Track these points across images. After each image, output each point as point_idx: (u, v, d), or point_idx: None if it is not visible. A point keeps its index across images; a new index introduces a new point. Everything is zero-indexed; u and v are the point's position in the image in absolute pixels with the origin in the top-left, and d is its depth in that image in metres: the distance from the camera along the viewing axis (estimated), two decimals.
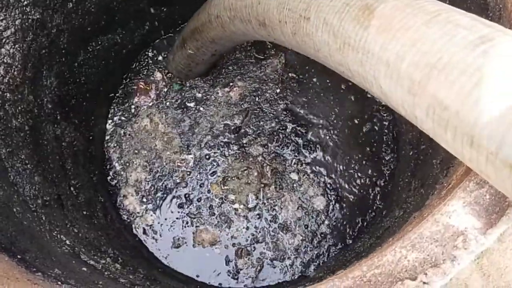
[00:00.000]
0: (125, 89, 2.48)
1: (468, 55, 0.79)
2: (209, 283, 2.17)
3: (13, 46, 1.59)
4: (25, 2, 1.61)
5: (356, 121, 2.39)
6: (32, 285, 1.07)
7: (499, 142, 0.72)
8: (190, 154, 2.34)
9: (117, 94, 2.45)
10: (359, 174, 2.31)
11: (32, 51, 1.70)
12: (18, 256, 1.21)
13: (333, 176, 2.30)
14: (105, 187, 2.25)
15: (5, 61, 1.57)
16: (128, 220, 2.26)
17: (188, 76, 2.41)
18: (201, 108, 2.43)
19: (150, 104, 2.43)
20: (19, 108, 1.65)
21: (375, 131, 2.38)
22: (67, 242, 1.59)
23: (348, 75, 1.11)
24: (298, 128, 2.38)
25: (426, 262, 0.90)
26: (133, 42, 2.35)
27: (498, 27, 0.82)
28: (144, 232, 2.25)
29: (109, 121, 2.42)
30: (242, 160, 2.32)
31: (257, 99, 2.43)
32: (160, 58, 2.52)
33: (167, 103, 2.43)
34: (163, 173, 2.33)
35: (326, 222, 2.24)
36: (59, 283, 1.18)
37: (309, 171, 2.31)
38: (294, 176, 2.30)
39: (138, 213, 2.27)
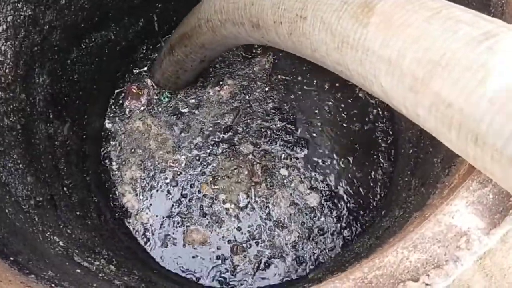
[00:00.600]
0: (121, 87, 2.48)
1: (472, 51, 0.79)
2: (206, 283, 2.17)
3: (4, 43, 1.57)
4: None
5: (350, 118, 2.41)
6: None
7: (505, 139, 0.72)
8: (183, 155, 2.35)
9: (114, 92, 2.46)
10: (354, 171, 2.32)
11: (24, 48, 1.69)
12: (11, 258, 1.20)
13: (324, 172, 2.32)
14: (99, 186, 2.24)
15: None
16: (124, 219, 2.26)
17: (176, 83, 2.38)
18: (196, 111, 2.44)
19: (142, 109, 2.44)
20: (11, 106, 1.64)
21: (371, 129, 2.39)
22: (60, 243, 1.58)
23: (347, 74, 1.11)
24: (288, 126, 2.40)
25: (429, 263, 0.90)
26: (127, 39, 2.34)
27: (501, 23, 0.82)
28: (138, 231, 2.26)
29: (106, 119, 2.43)
30: (232, 159, 2.34)
31: (247, 97, 2.46)
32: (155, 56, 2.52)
33: (159, 109, 2.44)
34: (156, 172, 2.34)
35: (322, 219, 2.24)
36: (53, 285, 1.17)
37: (299, 167, 2.32)
38: (284, 172, 2.31)
39: (135, 210, 2.28)
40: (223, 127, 2.40)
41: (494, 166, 0.77)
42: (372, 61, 0.96)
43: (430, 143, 1.74)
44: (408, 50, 0.88)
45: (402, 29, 0.91)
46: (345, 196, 2.28)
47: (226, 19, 1.61)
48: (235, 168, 2.32)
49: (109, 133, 2.41)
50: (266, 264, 2.18)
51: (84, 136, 2.20)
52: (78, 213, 1.91)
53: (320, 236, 2.21)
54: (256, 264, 2.18)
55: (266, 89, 2.47)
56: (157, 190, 2.32)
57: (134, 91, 2.45)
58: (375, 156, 2.34)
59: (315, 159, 2.34)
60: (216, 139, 2.38)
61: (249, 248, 2.21)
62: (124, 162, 2.36)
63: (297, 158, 2.34)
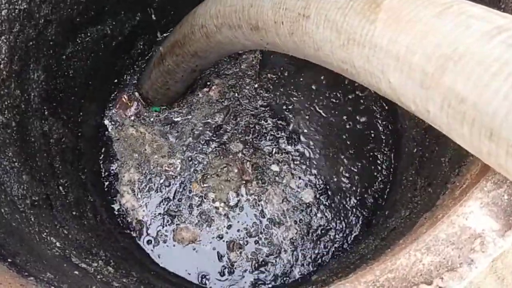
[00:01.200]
0: (118, 85, 2.50)
1: (485, 46, 0.79)
2: (204, 283, 2.17)
3: None
4: None
5: (343, 115, 2.44)
6: None
7: None
8: (178, 159, 2.37)
9: (111, 89, 2.46)
10: (350, 169, 2.34)
11: (19, 43, 1.67)
12: (9, 260, 1.19)
13: (318, 168, 2.35)
14: (95, 185, 2.24)
15: None
16: (120, 218, 2.27)
17: (165, 95, 2.35)
18: (188, 116, 2.46)
19: (132, 118, 2.45)
20: (6, 103, 1.62)
21: (368, 126, 2.42)
22: (57, 244, 1.58)
23: (352, 72, 1.10)
24: (279, 122, 2.42)
25: (442, 266, 0.90)
26: (123, 34, 2.33)
27: None
28: (134, 230, 2.28)
29: (105, 118, 2.45)
30: (222, 158, 2.36)
31: (236, 95, 2.47)
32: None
33: (151, 119, 2.46)
34: (152, 175, 2.36)
35: (319, 215, 2.26)
36: (52, 287, 1.16)
37: (290, 162, 2.35)
38: (275, 167, 2.34)
39: (132, 209, 2.30)
40: (214, 126, 2.42)
41: (509, 162, 0.77)
42: (380, 58, 0.96)
43: (435, 142, 1.74)
44: (418, 45, 0.88)
45: (411, 25, 0.91)
46: (341, 193, 2.30)
47: (222, 23, 1.60)
48: (225, 167, 2.34)
49: (107, 132, 2.42)
50: (263, 262, 2.19)
51: (79, 134, 2.19)
52: (74, 213, 1.90)
53: (320, 235, 2.22)
54: (254, 262, 2.20)
55: (255, 86, 2.48)
56: (153, 190, 2.34)
57: (124, 100, 2.46)
58: (373, 154, 2.35)
59: (308, 155, 2.36)
60: (207, 138, 2.40)
61: (246, 245, 2.23)
62: (122, 165, 2.37)
63: (287, 153, 2.36)
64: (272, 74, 2.52)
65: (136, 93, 2.46)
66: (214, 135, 2.40)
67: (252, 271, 2.19)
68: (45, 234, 1.57)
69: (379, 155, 2.34)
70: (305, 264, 2.18)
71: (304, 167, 2.33)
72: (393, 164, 2.32)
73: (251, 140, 2.38)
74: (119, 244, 2.09)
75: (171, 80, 2.21)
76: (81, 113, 2.20)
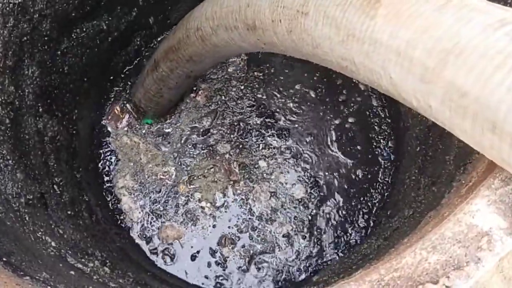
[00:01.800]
0: (115, 83, 2.52)
1: (487, 38, 0.80)
2: (203, 283, 2.19)
3: None
4: None
5: (336, 110, 2.49)
6: None
7: None
8: (172, 166, 2.41)
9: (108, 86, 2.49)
10: (349, 168, 2.37)
11: (13, 38, 1.67)
12: (4, 259, 1.19)
13: (311, 163, 2.38)
14: (90, 184, 2.24)
15: None
16: (116, 218, 2.29)
17: (158, 104, 2.35)
18: (178, 123, 2.50)
19: (125, 129, 2.48)
20: (0, 99, 1.62)
21: (366, 123, 2.45)
22: (53, 244, 1.58)
23: (352, 69, 1.11)
24: (267, 120, 2.46)
25: (449, 265, 0.90)
26: (119, 29, 2.33)
27: None
28: (131, 229, 2.32)
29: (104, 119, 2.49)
30: (208, 159, 2.40)
31: (223, 97, 2.51)
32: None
33: (143, 131, 2.49)
34: (148, 181, 2.40)
35: (313, 212, 2.30)
36: (49, 287, 1.16)
37: (278, 157, 2.39)
38: (262, 163, 2.38)
39: (128, 209, 2.34)
40: (201, 130, 2.45)
41: None
42: (380, 53, 0.97)
43: (439, 140, 1.74)
44: (419, 40, 0.89)
45: (412, 19, 0.91)
46: (340, 192, 2.32)
47: (218, 24, 1.60)
48: (211, 167, 2.38)
49: (104, 131, 2.46)
50: (259, 261, 2.22)
51: (74, 132, 2.19)
52: (69, 212, 1.90)
53: (318, 234, 2.24)
54: (247, 259, 2.23)
55: (242, 87, 2.53)
56: (145, 192, 2.38)
57: (116, 112, 2.48)
58: (374, 152, 2.36)
59: (301, 150, 2.40)
60: (194, 142, 2.44)
61: (238, 240, 2.27)
62: (119, 170, 2.41)
63: (275, 148, 2.41)
64: (258, 72, 2.56)
65: (128, 105, 2.49)
66: (202, 138, 2.44)
67: (247, 268, 2.21)
68: (40, 233, 1.57)
69: (380, 154, 2.35)
70: (302, 264, 2.19)
71: (293, 163, 2.38)
72: (395, 163, 2.32)
73: (237, 139, 2.43)
74: (115, 244, 2.09)
75: (164, 87, 2.21)
76: (76, 111, 2.20)
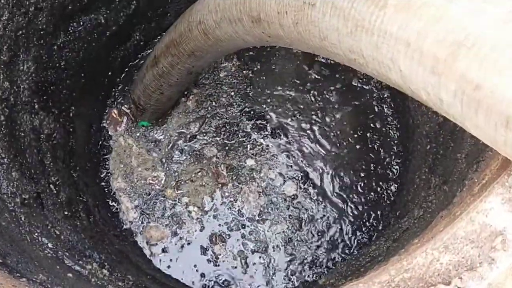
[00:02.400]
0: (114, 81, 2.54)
1: (500, 30, 0.79)
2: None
3: None
4: None
5: (333, 108, 2.52)
6: None
7: None
8: (162, 171, 2.45)
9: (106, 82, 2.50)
10: (356, 167, 2.40)
11: (8, 32, 1.68)
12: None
13: (310, 162, 2.43)
14: (87, 184, 2.24)
15: None
16: (115, 219, 2.29)
17: (158, 101, 2.36)
18: (168, 128, 2.54)
19: (122, 133, 2.52)
20: None
21: (373, 120, 2.46)
22: (49, 245, 1.58)
23: (360, 62, 1.10)
24: (258, 122, 2.50)
25: (461, 265, 0.90)
26: (118, 23, 2.33)
27: None
28: (129, 230, 2.36)
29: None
30: (195, 163, 2.45)
31: (213, 103, 2.55)
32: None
33: (137, 134, 2.53)
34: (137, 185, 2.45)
35: (316, 212, 2.33)
36: None
37: (269, 157, 2.44)
38: (250, 162, 2.44)
39: (125, 209, 2.38)
40: (188, 136, 2.49)
41: None
42: (390, 45, 0.96)
43: (450, 138, 1.74)
44: (430, 31, 0.88)
45: (423, 10, 0.91)
46: (348, 191, 2.34)
47: (222, 17, 1.60)
48: (199, 171, 2.42)
49: (102, 129, 2.50)
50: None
51: (71, 129, 2.19)
52: (66, 212, 1.91)
53: (320, 235, 2.25)
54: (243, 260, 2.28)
55: (232, 93, 2.57)
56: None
57: (114, 116, 2.52)
58: (381, 151, 2.38)
59: (299, 148, 2.45)
60: (181, 148, 2.48)
61: (227, 238, 2.33)
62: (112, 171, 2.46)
63: (263, 146, 2.46)
64: (247, 71, 2.61)
65: (125, 107, 2.53)
66: (188, 144, 2.49)
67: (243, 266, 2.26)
68: (36, 234, 1.57)
69: (387, 153, 2.35)
70: (307, 266, 2.21)
71: (282, 160, 2.44)
72: (404, 162, 2.32)
73: (224, 141, 2.48)
74: (113, 246, 2.10)
75: (165, 84, 2.21)
76: (73, 107, 2.20)
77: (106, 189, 2.41)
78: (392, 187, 2.30)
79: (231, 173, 2.40)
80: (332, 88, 2.53)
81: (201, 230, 2.32)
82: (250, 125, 2.48)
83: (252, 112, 2.51)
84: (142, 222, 2.35)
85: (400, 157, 2.34)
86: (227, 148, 2.45)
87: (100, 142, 2.49)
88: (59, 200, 1.91)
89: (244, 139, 2.46)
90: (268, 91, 2.55)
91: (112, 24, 2.29)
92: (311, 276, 2.19)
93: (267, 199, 2.34)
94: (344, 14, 1.06)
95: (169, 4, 2.50)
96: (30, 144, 1.84)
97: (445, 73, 0.85)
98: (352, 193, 2.32)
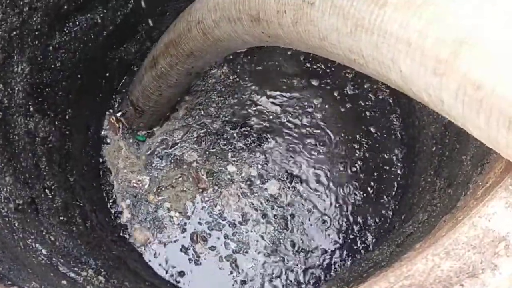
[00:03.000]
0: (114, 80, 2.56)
1: (503, 28, 0.79)
2: None
3: None
4: None
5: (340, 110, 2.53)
6: None
7: None
8: (147, 176, 2.51)
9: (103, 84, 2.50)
10: (360, 167, 2.41)
11: (2, 33, 1.68)
12: None
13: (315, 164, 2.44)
14: (84, 188, 2.24)
15: None
16: (113, 224, 2.30)
17: (157, 102, 2.36)
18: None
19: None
20: None
21: (377, 121, 2.48)
22: (43, 251, 1.58)
23: (360, 62, 1.10)
24: (242, 129, 2.56)
25: (463, 272, 0.89)
26: (115, 23, 2.33)
27: None
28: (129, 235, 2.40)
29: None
30: (176, 168, 2.50)
31: (202, 112, 2.60)
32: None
33: (131, 140, 2.58)
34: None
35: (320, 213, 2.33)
36: None
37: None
38: (231, 168, 2.49)
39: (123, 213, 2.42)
40: (170, 144, 2.55)
41: None
42: (390, 44, 0.96)
43: (456, 139, 1.73)
44: (430, 30, 0.88)
45: (424, 8, 0.91)
46: (350, 195, 2.35)
47: (221, 16, 1.60)
48: (179, 177, 2.48)
49: (99, 133, 2.52)
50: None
51: (67, 133, 2.19)
52: (61, 218, 1.91)
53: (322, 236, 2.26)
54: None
55: (219, 104, 2.61)
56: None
57: (112, 121, 2.56)
58: (385, 154, 2.37)
59: (293, 148, 2.49)
60: (161, 154, 2.54)
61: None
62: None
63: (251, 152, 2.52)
64: (235, 76, 2.66)
65: (118, 114, 2.57)
66: (170, 151, 2.54)
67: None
68: (30, 240, 1.58)
69: (392, 155, 2.35)
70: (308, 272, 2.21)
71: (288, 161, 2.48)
72: (409, 164, 2.31)
73: (204, 148, 2.54)
74: (111, 252, 2.10)
75: (164, 85, 2.21)
76: (69, 110, 2.20)
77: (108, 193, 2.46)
78: (397, 190, 2.29)
79: (212, 177, 2.47)
80: (324, 91, 2.58)
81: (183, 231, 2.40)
82: (234, 133, 2.54)
83: (235, 120, 2.57)
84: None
85: (406, 159, 2.33)
86: (207, 153, 2.52)
87: (98, 144, 2.50)
88: (54, 205, 1.91)
89: (225, 147, 2.53)
90: (255, 98, 2.60)
91: (109, 24, 2.29)
92: (312, 283, 2.19)
93: (247, 199, 2.43)
94: (344, 12, 1.06)
95: (168, 2, 2.50)
96: (24, 148, 1.84)
97: (447, 74, 0.85)
98: (355, 195, 2.32)
